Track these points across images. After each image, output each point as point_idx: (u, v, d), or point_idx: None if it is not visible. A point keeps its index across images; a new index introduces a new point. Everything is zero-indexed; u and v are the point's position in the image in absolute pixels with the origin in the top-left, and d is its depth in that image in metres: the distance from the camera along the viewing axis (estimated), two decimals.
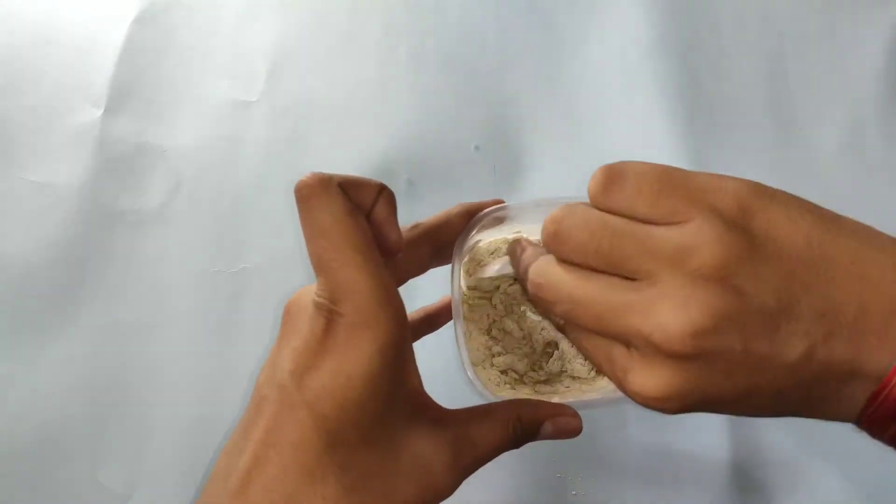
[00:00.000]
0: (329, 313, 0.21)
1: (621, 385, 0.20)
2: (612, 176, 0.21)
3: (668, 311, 0.18)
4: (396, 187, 0.28)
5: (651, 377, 0.19)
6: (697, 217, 0.19)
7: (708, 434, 0.41)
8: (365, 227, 0.23)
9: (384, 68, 0.53)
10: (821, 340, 0.18)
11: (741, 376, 0.18)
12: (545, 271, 0.22)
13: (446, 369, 0.34)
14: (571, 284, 0.21)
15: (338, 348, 0.21)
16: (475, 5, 0.55)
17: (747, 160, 0.49)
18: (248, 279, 0.47)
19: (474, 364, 0.32)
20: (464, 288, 0.34)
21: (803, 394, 0.19)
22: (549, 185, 0.49)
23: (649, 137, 0.50)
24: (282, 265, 0.47)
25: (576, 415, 0.26)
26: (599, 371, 0.25)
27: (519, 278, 0.28)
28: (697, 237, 0.19)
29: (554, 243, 0.21)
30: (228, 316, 0.46)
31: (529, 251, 0.27)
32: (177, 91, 0.52)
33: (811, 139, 0.50)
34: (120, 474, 0.41)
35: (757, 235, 0.19)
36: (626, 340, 0.20)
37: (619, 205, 0.21)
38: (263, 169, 0.50)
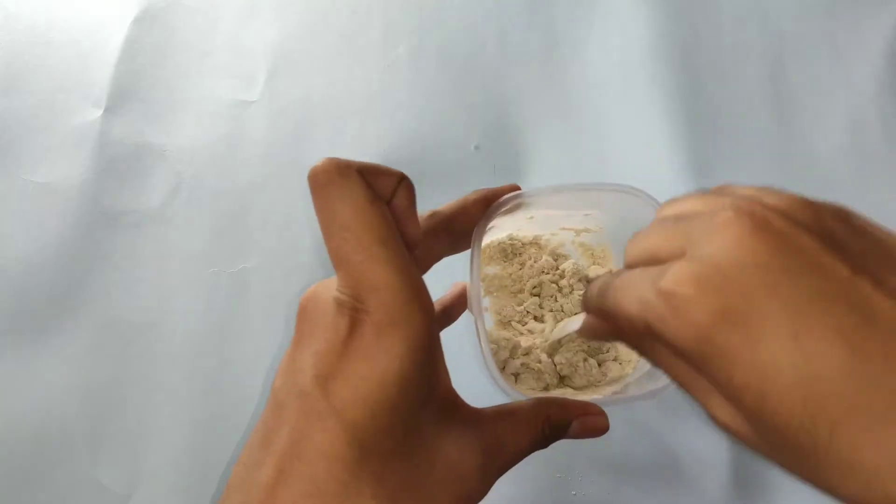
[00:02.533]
0: (353, 311, 0.20)
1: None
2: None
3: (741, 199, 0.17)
4: None
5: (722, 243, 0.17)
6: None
7: (708, 434, 0.41)
8: (388, 217, 0.21)
9: (384, 68, 0.53)
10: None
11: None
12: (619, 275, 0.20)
13: (458, 359, 0.34)
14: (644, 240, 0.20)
15: (366, 350, 0.19)
16: (475, 5, 0.55)
17: (747, 160, 0.49)
18: (248, 279, 0.47)
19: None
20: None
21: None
22: (548, 184, 0.49)
23: (649, 137, 0.50)
24: (282, 265, 0.47)
25: (602, 413, 0.25)
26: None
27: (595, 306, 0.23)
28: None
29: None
30: (228, 316, 0.46)
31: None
32: (177, 91, 0.52)
33: (811, 139, 0.50)
34: (120, 474, 0.41)
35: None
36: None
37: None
38: (263, 169, 0.50)
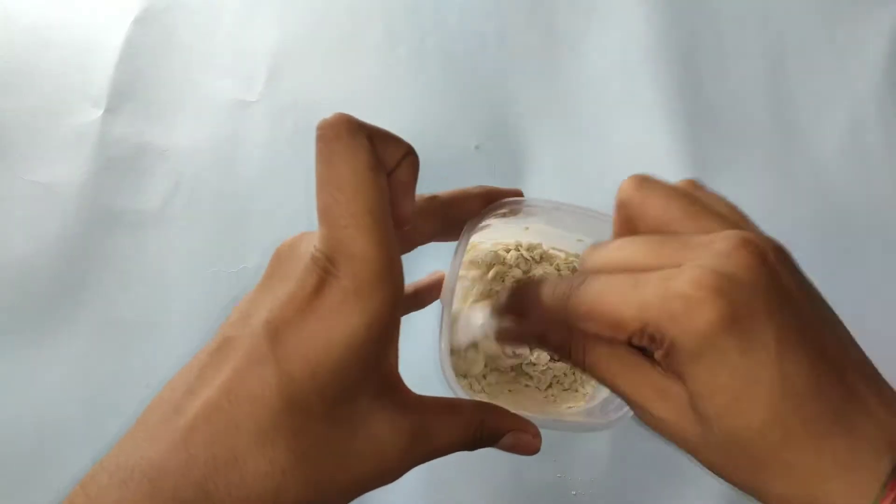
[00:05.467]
0: (324, 272, 0.20)
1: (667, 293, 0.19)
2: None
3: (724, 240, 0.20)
4: None
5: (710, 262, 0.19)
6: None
7: None
8: (384, 189, 0.21)
9: (384, 68, 0.53)
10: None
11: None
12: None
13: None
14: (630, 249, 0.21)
15: (324, 311, 0.19)
16: (475, 6, 0.55)
17: (747, 160, 0.49)
18: (248, 279, 0.47)
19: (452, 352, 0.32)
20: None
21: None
22: (549, 185, 0.49)
23: (649, 137, 0.50)
24: None
25: (538, 434, 0.26)
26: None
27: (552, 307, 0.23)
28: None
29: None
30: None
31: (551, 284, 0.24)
32: (177, 91, 0.52)
33: (811, 139, 0.50)
34: None
35: None
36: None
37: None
38: (263, 169, 0.50)
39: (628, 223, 0.23)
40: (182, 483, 0.18)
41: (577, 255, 0.38)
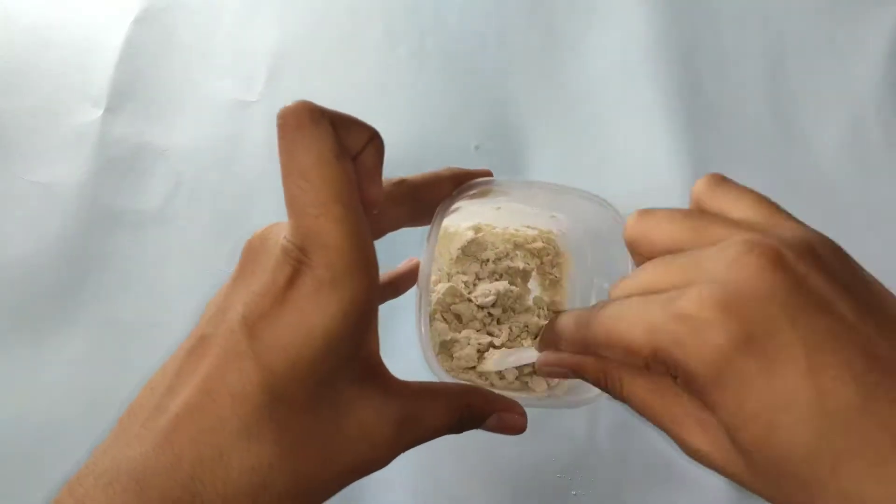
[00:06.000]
0: (297, 262, 0.20)
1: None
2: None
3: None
4: None
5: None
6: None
7: None
8: (350, 175, 0.20)
9: (384, 68, 0.53)
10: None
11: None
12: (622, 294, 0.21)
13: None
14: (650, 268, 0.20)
15: (300, 302, 0.19)
16: (475, 6, 0.55)
17: (747, 160, 0.49)
18: None
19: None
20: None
21: None
22: None
23: (649, 137, 0.50)
24: None
25: (523, 414, 0.25)
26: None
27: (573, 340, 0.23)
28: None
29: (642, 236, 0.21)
30: None
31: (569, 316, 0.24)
32: (177, 91, 0.52)
33: (811, 139, 0.50)
34: None
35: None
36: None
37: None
38: (263, 169, 0.50)
39: (642, 260, 0.22)
40: (169, 482, 0.18)
41: (549, 231, 0.38)
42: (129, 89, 0.52)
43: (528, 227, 0.39)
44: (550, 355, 0.24)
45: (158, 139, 0.51)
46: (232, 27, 0.54)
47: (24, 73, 0.52)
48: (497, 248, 0.38)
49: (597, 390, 0.27)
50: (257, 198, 0.49)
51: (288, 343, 0.19)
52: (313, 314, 0.19)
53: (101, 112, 0.51)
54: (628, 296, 0.20)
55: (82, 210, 0.48)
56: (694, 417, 0.19)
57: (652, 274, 0.20)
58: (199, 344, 0.21)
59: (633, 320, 0.19)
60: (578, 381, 0.29)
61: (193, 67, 0.53)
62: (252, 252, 0.22)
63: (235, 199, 0.49)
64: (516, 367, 0.34)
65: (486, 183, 0.29)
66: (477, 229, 0.38)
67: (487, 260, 0.38)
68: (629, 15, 0.53)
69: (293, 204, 0.20)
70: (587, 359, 0.22)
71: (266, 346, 0.19)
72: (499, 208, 0.36)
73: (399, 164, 0.51)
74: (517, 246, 0.39)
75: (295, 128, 0.20)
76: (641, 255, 0.21)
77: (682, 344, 0.17)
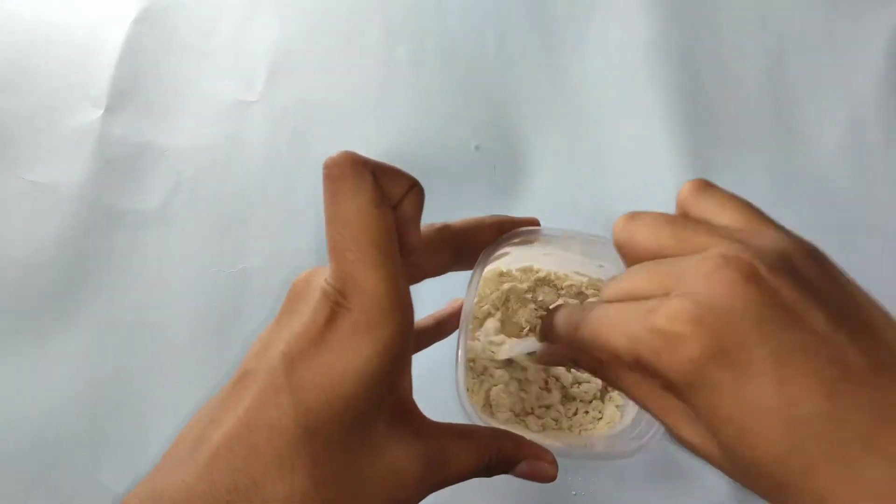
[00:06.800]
0: (336, 305, 0.21)
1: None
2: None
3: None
4: None
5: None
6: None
7: None
8: (390, 224, 0.22)
9: (384, 68, 0.53)
10: None
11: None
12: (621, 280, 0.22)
13: (438, 368, 0.33)
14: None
15: (337, 342, 0.20)
16: (475, 6, 0.55)
17: (747, 160, 0.49)
18: (248, 279, 0.47)
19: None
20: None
21: None
22: (549, 185, 0.49)
23: (649, 137, 0.50)
24: (282, 265, 0.47)
25: (554, 462, 0.26)
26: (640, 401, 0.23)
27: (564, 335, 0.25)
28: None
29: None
30: (228, 316, 0.46)
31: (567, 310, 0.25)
32: (177, 91, 0.52)
33: (811, 139, 0.50)
34: (120, 474, 0.41)
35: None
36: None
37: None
38: (263, 169, 0.50)
39: (631, 263, 0.23)
40: None
41: (599, 279, 0.38)
42: (129, 89, 0.52)
43: (577, 272, 0.38)
44: (549, 347, 0.25)
45: (158, 139, 0.51)
46: (232, 27, 0.54)
47: (24, 73, 0.52)
48: (555, 291, 0.38)
49: (634, 444, 0.29)
50: (257, 198, 0.49)
51: (324, 381, 0.20)
52: (349, 355, 0.20)
53: (101, 112, 0.51)
54: (613, 299, 0.21)
55: (82, 210, 0.48)
56: (683, 410, 0.20)
57: (636, 280, 0.21)
58: (242, 378, 0.22)
59: (615, 328, 0.20)
60: (617, 430, 0.30)
61: (193, 67, 0.53)
62: (296, 293, 0.23)
63: (235, 199, 0.49)
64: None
65: (531, 232, 0.30)
66: (527, 270, 0.38)
67: (542, 299, 0.38)
68: (629, 15, 0.53)
69: (334, 249, 0.21)
70: (582, 353, 0.23)
71: (303, 383, 0.20)
72: (546, 254, 0.36)
73: (399, 164, 0.51)
74: (578, 294, 0.38)
75: (338, 178, 0.21)
76: (628, 258, 0.22)
77: (658, 354, 0.18)
